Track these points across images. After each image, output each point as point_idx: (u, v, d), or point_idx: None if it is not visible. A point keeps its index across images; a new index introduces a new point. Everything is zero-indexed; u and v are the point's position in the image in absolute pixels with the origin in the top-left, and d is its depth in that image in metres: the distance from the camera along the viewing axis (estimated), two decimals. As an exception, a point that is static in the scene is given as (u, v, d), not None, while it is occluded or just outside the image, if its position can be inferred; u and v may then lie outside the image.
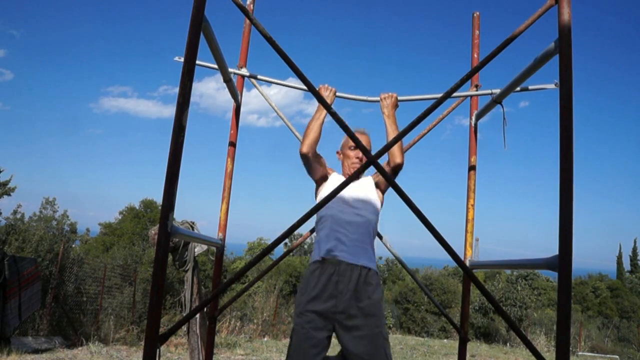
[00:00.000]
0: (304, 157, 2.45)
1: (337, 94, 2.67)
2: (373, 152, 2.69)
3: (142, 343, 8.59)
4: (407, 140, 2.77)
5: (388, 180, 1.59)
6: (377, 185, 2.53)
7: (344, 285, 2.22)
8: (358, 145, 1.64)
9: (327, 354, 2.26)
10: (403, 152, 2.48)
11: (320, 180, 2.55)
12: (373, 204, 2.44)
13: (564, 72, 1.54)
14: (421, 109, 1.64)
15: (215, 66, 2.44)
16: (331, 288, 2.22)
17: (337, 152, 2.70)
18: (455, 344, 11.52)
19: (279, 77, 2.91)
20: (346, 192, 2.38)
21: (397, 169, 2.43)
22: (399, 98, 2.64)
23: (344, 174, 2.59)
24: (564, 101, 1.51)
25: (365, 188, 2.48)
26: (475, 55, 2.92)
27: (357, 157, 2.51)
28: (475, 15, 2.97)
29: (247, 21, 2.91)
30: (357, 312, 2.19)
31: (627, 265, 31.26)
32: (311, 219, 1.63)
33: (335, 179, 2.54)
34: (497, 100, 2.53)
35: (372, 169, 2.73)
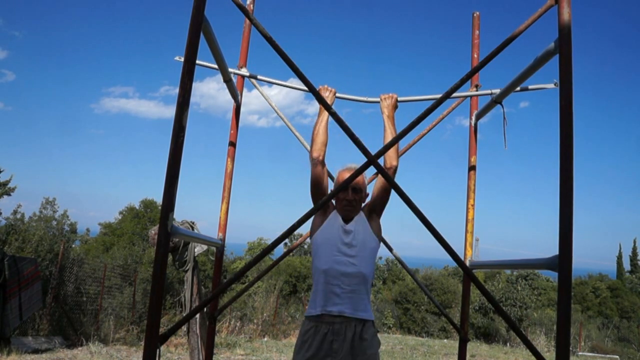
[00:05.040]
0: (314, 161, 2.39)
1: (337, 94, 2.67)
2: (366, 182, 2.63)
3: (142, 343, 8.59)
4: (407, 140, 2.78)
5: (389, 181, 1.60)
6: (372, 212, 2.42)
7: (338, 345, 2.21)
8: (356, 143, 1.64)
9: None
10: (398, 155, 2.45)
11: (321, 214, 2.43)
12: (369, 249, 2.36)
13: (564, 72, 1.54)
14: (421, 109, 1.64)
15: (216, 66, 2.44)
16: (326, 348, 2.21)
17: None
18: (455, 344, 11.53)
19: (280, 78, 2.91)
20: (340, 240, 2.32)
21: (392, 171, 2.38)
22: (399, 99, 2.65)
23: (338, 213, 2.45)
24: (564, 101, 1.51)
25: (359, 231, 2.37)
26: (475, 55, 2.92)
27: (347, 199, 2.37)
28: (475, 15, 2.97)
29: (247, 21, 2.91)
30: None
31: (627, 266, 31.31)
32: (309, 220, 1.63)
33: (333, 222, 2.40)
34: (497, 101, 2.53)
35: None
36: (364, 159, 1.63)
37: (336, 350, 2.20)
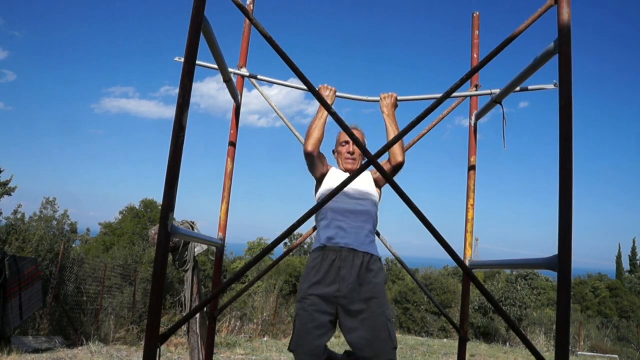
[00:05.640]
0: (308, 156, 2.47)
1: (338, 94, 2.68)
2: (368, 148, 2.75)
3: (143, 343, 8.60)
4: (407, 140, 2.78)
5: (388, 179, 1.60)
6: (375, 181, 2.54)
7: (346, 271, 2.22)
8: (357, 145, 1.64)
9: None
10: (404, 151, 2.50)
11: (321, 177, 2.57)
12: (372, 195, 2.47)
13: (563, 72, 1.54)
14: (421, 109, 1.64)
15: (216, 66, 2.44)
16: (334, 274, 2.22)
17: (333, 152, 2.73)
18: (455, 343, 11.52)
19: (280, 78, 2.91)
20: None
21: (398, 167, 2.46)
22: (399, 98, 2.65)
23: (339, 168, 2.64)
24: (563, 101, 1.51)
25: (363, 181, 2.50)
26: (475, 55, 2.92)
27: (349, 152, 2.56)
28: (475, 15, 2.97)
29: (247, 21, 2.91)
30: (360, 297, 2.19)
31: (626, 265, 31.30)
32: (311, 218, 1.63)
33: (334, 174, 2.56)
34: (497, 101, 2.53)
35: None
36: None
37: (344, 277, 2.22)
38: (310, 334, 2.15)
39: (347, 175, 2.52)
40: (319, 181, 2.58)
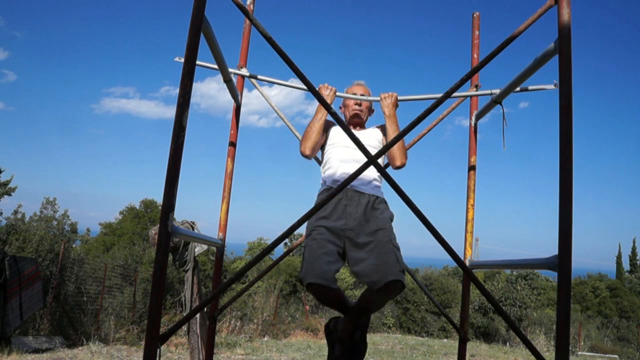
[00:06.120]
0: (305, 157, 2.51)
1: (337, 93, 2.69)
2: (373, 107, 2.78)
3: (143, 343, 8.60)
4: (407, 140, 2.78)
5: (388, 180, 1.59)
6: (384, 141, 2.59)
7: (352, 208, 2.29)
8: (357, 144, 1.64)
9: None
10: (405, 151, 2.50)
11: (325, 142, 2.64)
12: (379, 146, 2.51)
13: (563, 72, 1.54)
14: (421, 109, 1.64)
15: (216, 66, 2.44)
16: (340, 210, 2.29)
17: (340, 107, 2.80)
18: (455, 343, 11.52)
19: (280, 78, 2.91)
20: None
21: (398, 169, 2.48)
22: (399, 98, 2.65)
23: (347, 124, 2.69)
24: (563, 101, 1.51)
25: (372, 137, 2.56)
26: (475, 55, 2.92)
27: (356, 104, 2.64)
28: (475, 15, 2.97)
29: (247, 21, 2.91)
30: (366, 231, 2.24)
31: (626, 265, 31.27)
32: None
33: (338, 130, 2.61)
34: (497, 101, 2.53)
35: (376, 117, 2.80)
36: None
37: (350, 212, 2.28)
38: (320, 259, 2.14)
39: (356, 130, 2.59)
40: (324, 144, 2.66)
